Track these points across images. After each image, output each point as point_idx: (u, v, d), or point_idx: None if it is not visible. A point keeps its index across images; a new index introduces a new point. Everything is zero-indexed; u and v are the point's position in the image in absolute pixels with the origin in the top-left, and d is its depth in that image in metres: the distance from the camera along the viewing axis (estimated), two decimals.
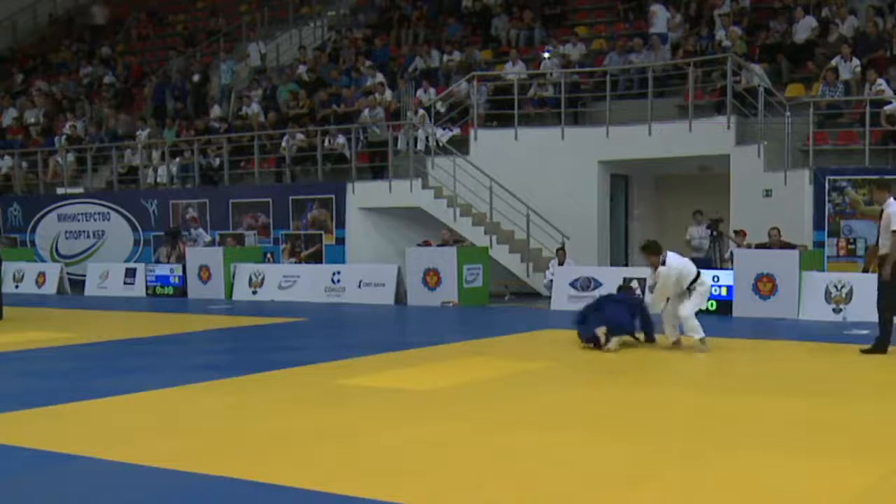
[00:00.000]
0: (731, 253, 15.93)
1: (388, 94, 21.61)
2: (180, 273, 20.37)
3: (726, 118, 17.42)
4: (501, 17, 23.31)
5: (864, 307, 13.66)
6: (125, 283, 21.27)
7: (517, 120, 19.48)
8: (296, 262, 20.59)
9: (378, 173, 20.51)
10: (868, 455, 6.18)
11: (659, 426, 7.15)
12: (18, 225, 25.12)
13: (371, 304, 17.71)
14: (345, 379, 9.31)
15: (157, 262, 21.54)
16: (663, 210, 20.87)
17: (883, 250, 10.56)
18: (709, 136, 17.52)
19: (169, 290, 20.58)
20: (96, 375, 9.84)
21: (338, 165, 20.96)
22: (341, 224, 20.26)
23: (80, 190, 24.76)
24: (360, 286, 18.31)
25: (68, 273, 22.66)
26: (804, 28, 18.60)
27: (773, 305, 14.46)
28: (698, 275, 11.25)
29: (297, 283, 19.20)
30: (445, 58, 22.46)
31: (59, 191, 24.79)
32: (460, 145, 19.93)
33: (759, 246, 15.49)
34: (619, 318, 11.25)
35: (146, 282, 20.92)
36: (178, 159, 23.80)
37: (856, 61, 17.29)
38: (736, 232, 16.61)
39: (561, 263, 17.17)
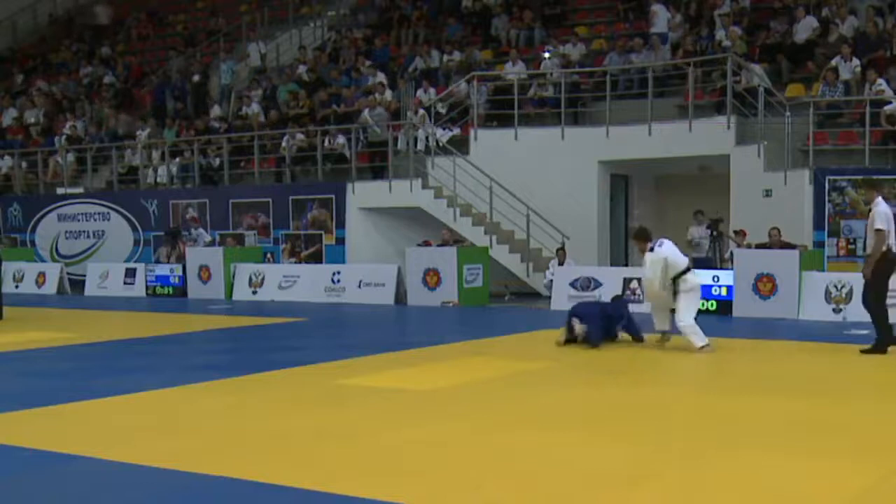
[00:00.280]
0: (731, 253, 15.93)
1: (388, 94, 21.61)
2: (180, 273, 20.37)
3: (726, 118, 17.42)
4: (501, 17, 23.31)
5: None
6: (125, 283, 21.27)
7: (517, 120, 19.48)
8: (296, 262, 20.59)
9: (378, 173, 20.51)
10: (868, 455, 6.18)
11: (659, 426, 7.15)
12: (18, 225, 25.13)
13: (371, 304, 17.71)
14: (345, 379, 9.31)
15: (157, 262, 21.54)
16: (663, 210, 20.86)
17: (869, 250, 10.66)
18: (709, 136, 17.52)
19: (169, 290, 20.58)
20: (96, 375, 9.84)
21: (338, 165, 20.96)
22: (341, 224, 20.26)
23: (80, 190, 24.77)
24: (360, 286, 18.31)
25: (68, 273, 22.67)
26: (805, 28, 18.60)
27: (773, 305, 14.47)
28: (687, 270, 11.16)
29: (297, 283, 19.21)
30: (445, 58, 22.46)
31: (59, 191, 24.80)
32: (460, 145, 19.93)
33: (760, 246, 15.50)
34: (591, 320, 11.39)
35: (146, 282, 20.92)
36: (178, 159, 23.80)
37: (856, 61, 17.29)
38: (736, 232, 16.61)
39: (561, 263, 17.18)
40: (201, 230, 21.38)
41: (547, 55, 20.94)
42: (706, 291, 15.10)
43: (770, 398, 8.23)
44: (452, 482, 5.67)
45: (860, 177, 15.62)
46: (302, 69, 24.13)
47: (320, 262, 20.24)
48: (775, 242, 15.23)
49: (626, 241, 20.19)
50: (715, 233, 16.65)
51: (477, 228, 18.96)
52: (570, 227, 18.20)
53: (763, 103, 16.89)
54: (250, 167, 22.52)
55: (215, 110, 24.83)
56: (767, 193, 16.77)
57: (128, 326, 15.27)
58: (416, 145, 20.13)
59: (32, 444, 6.65)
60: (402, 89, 22.14)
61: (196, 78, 26.33)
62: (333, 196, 20.34)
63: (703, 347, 10.93)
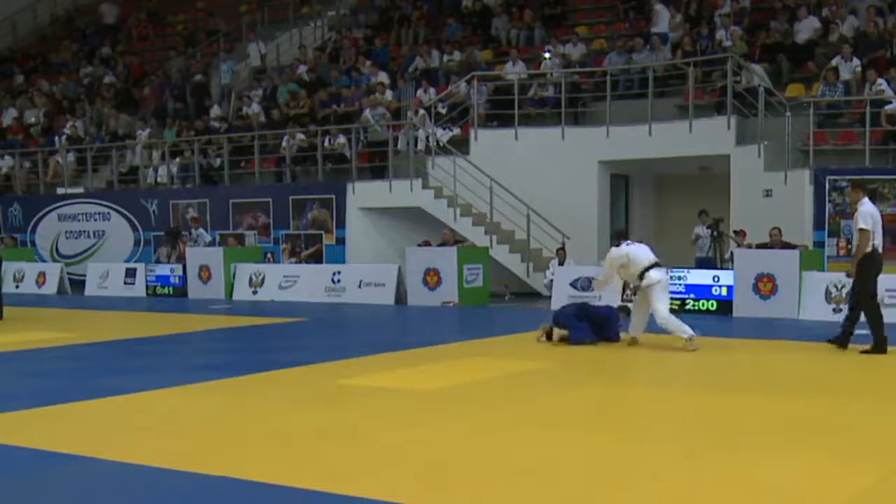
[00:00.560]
0: (732, 253, 15.94)
1: (389, 94, 21.62)
2: (180, 273, 20.38)
3: (726, 118, 17.42)
4: (501, 17, 23.31)
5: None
6: (125, 283, 21.27)
7: (517, 120, 19.48)
8: (296, 262, 20.59)
9: (378, 173, 20.51)
10: (868, 455, 6.18)
11: (659, 426, 7.15)
12: (18, 225, 25.13)
13: (371, 304, 17.72)
14: (345, 379, 9.31)
15: (158, 262, 21.55)
16: (663, 210, 20.88)
17: (855, 249, 10.76)
18: (709, 136, 17.52)
19: (169, 290, 20.58)
20: (96, 375, 9.84)
21: (338, 165, 20.97)
22: (341, 224, 20.27)
23: (80, 190, 24.77)
24: (360, 286, 18.31)
25: (68, 273, 22.67)
26: (807, 28, 18.60)
27: (773, 305, 14.47)
28: (652, 266, 11.22)
29: (297, 283, 19.21)
30: (445, 58, 22.47)
31: (60, 191, 24.81)
32: (460, 145, 19.93)
33: (760, 246, 15.50)
34: (568, 319, 11.72)
35: (146, 282, 20.93)
36: (178, 159, 23.81)
37: (856, 61, 17.29)
38: (736, 232, 16.62)
39: (561, 263, 17.18)
40: (201, 230, 21.38)
41: (547, 55, 20.94)
42: (706, 291, 15.14)
43: (770, 398, 8.23)
44: (452, 482, 5.67)
45: (861, 177, 15.64)
46: (302, 69, 24.13)
47: (320, 262, 20.25)
48: (776, 242, 15.24)
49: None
50: (715, 233, 16.65)
51: (477, 228, 18.96)
52: (570, 227, 18.20)
53: (763, 103, 16.89)
54: (250, 167, 22.52)
55: (215, 110, 24.83)
56: (767, 193, 16.78)
57: (128, 326, 15.27)
58: (416, 145, 20.13)
59: (32, 444, 6.65)
60: (402, 89, 22.15)
61: (198, 77, 26.32)
62: (334, 196, 20.34)
63: (690, 339, 10.99)
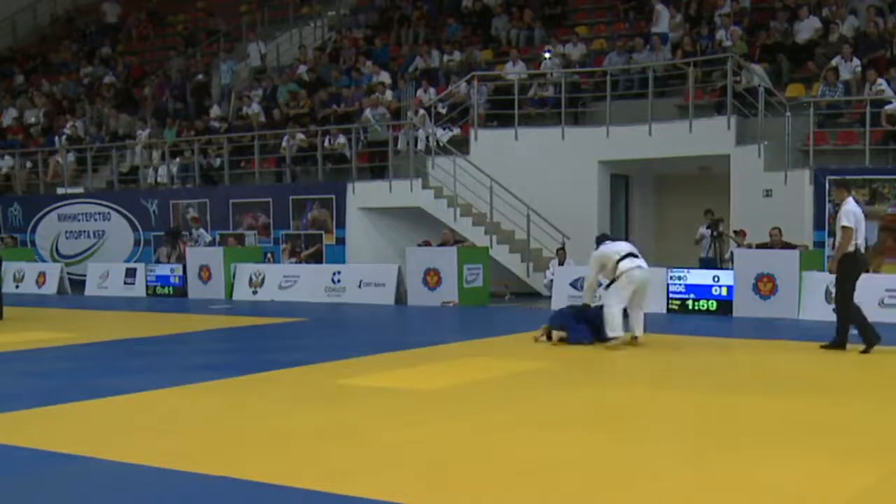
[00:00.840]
0: (732, 253, 15.94)
1: (389, 94, 21.62)
2: (180, 273, 20.37)
3: (726, 118, 17.42)
4: (501, 17, 23.31)
5: (865, 307, 13.61)
6: (125, 283, 21.27)
7: (517, 120, 19.48)
8: (296, 262, 20.59)
9: (378, 173, 20.51)
10: (868, 455, 6.18)
11: (659, 426, 7.15)
12: (18, 225, 25.13)
13: (371, 304, 17.71)
14: (345, 379, 9.31)
15: (158, 262, 21.54)
16: (663, 210, 20.88)
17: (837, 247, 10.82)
18: (709, 136, 17.52)
19: (169, 290, 20.58)
20: (96, 375, 9.84)
21: (338, 165, 20.97)
22: (341, 224, 20.27)
23: (80, 190, 24.77)
24: (360, 286, 18.31)
25: (68, 273, 22.67)
26: (807, 28, 18.60)
27: (773, 305, 14.47)
28: (626, 256, 11.32)
29: (297, 283, 19.21)
30: (445, 58, 22.47)
31: (60, 191, 24.81)
32: (460, 145, 19.93)
33: (760, 246, 15.50)
34: (565, 320, 11.79)
35: (146, 282, 20.92)
36: (178, 159, 23.81)
37: (856, 61, 17.28)
38: (736, 232, 16.62)
39: (561, 263, 17.18)
40: (202, 230, 21.38)
41: (547, 55, 20.94)
42: (706, 291, 15.14)
43: (770, 398, 8.23)
44: (452, 482, 5.67)
45: (861, 177, 15.65)
46: (302, 69, 24.13)
47: (320, 262, 20.25)
48: (776, 242, 15.24)
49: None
50: (715, 233, 16.65)
51: (477, 228, 18.96)
52: (570, 227, 18.20)
53: (763, 103, 16.88)
54: (250, 167, 22.52)
55: (215, 110, 24.83)
56: (767, 193, 16.78)
57: (128, 326, 15.27)
58: (416, 145, 20.13)
59: (32, 444, 6.65)
60: (403, 89, 22.15)
61: (199, 77, 26.33)
62: (334, 196, 20.34)
63: (612, 339, 11.11)
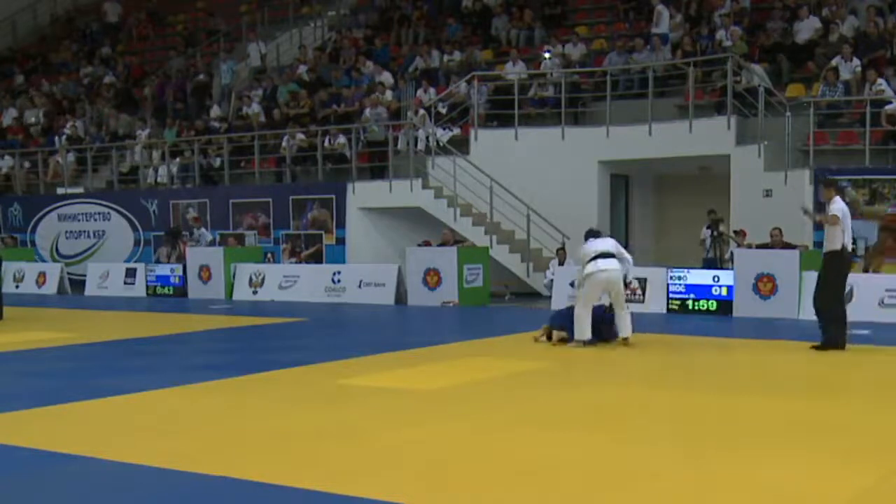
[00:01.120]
0: (732, 253, 15.94)
1: (389, 94, 21.62)
2: (180, 273, 20.37)
3: (726, 118, 17.42)
4: (501, 17, 23.31)
5: (865, 307, 13.68)
6: (125, 283, 21.27)
7: (517, 120, 19.48)
8: (296, 262, 20.59)
9: (378, 173, 20.51)
10: (868, 455, 6.18)
11: (659, 426, 7.15)
12: (18, 225, 25.12)
13: (371, 304, 17.71)
14: (345, 379, 9.31)
15: (158, 262, 21.54)
16: (663, 210, 20.87)
17: (828, 246, 10.83)
18: (709, 136, 17.52)
19: (169, 290, 20.58)
20: (96, 375, 9.84)
21: (338, 165, 20.97)
22: (341, 224, 20.26)
23: (80, 190, 24.77)
24: (360, 286, 18.31)
25: (68, 273, 22.66)
26: (808, 28, 18.60)
27: (773, 305, 14.46)
28: (597, 257, 11.35)
29: (297, 283, 19.21)
30: (445, 58, 22.47)
31: (60, 191, 24.80)
32: (460, 145, 19.93)
33: (761, 246, 15.50)
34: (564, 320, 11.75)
35: (146, 282, 20.92)
36: (178, 159, 23.81)
37: (856, 61, 17.28)
38: (736, 232, 16.62)
39: (561, 263, 17.17)
40: (203, 230, 21.38)
41: (547, 55, 20.94)
42: (706, 291, 15.14)
43: (770, 398, 8.23)
44: (452, 482, 5.67)
45: (861, 177, 15.66)
46: (302, 69, 24.13)
47: (320, 262, 20.25)
48: (777, 243, 15.24)
49: (626, 242, 20.19)
50: (715, 233, 16.65)
51: (477, 228, 18.96)
52: (570, 227, 18.18)
53: (763, 103, 16.89)
54: (250, 167, 22.52)
55: (215, 110, 24.83)
56: (767, 193, 16.77)
57: (128, 326, 15.27)
58: (416, 145, 20.13)
59: (32, 444, 6.65)
60: (403, 89, 22.15)
61: (201, 77, 26.33)
62: (334, 196, 20.34)
63: (575, 341, 11.20)
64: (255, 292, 19.44)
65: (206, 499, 5.45)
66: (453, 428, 7.11)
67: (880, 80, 16.53)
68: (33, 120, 28.19)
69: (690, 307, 15.17)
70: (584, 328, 11.27)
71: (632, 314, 11.65)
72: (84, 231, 23.99)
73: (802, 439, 6.65)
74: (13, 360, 11.08)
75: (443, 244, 18.03)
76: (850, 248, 10.84)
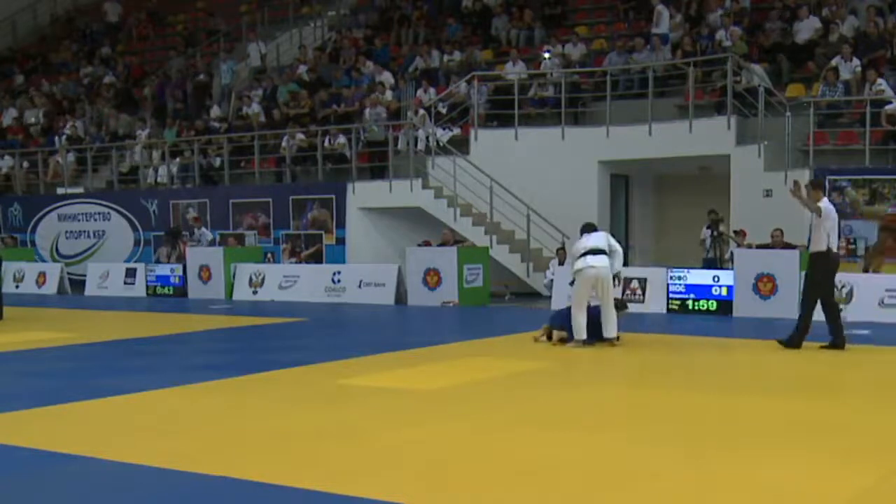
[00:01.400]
0: (732, 253, 15.94)
1: (389, 94, 21.62)
2: (180, 273, 20.37)
3: (726, 118, 17.42)
4: (501, 17, 23.31)
5: (865, 307, 13.70)
6: (125, 283, 21.27)
7: (517, 120, 19.48)
8: (296, 262, 20.59)
9: (378, 173, 20.51)
10: (868, 455, 6.18)
11: (659, 426, 7.15)
12: (18, 225, 25.12)
13: (371, 304, 17.72)
14: (345, 379, 9.31)
15: (158, 262, 21.54)
16: (663, 210, 20.87)
17: (814, 247, 10.90)
18: (709, 136, 17.52)
19: (169, 290, 20.58)
20: (96, 375, 9.84)
21: (338, 165, 20.97)
22: (341, 224, 20.26)
23: (80, 190, 24.77)
24: (360, 286, 18.31)
25: (68, 273, 22.67)
26: (807, 28, 18.60)
27: (773, 305, 14.46)
28: (586, 254, 11.40)
29: (297, 283, 19.21)
30: (445, 58, 22.47)
31: (60, 191, 24.81)
32: (460, 145, 19.93)
33: (761, 246, 15.51)
34: (564, 320, 11.74)
35: (146, 282, 20.92)
36: (178, 159, 23.81)
37: (856, 61, 17.28)
38: (736, 232, 16.62)
39: (561, 263, 17.15)
40: (204, 229, 21.37)
41: (547, 55, 20.94)
42: (706, 291, 15.14)
43: (770, 398, 8.24)
44: (452, 482, 5.67)
45: (861, 177, 15.65)
46: (302, 69, 24.13)
47: (320, 262, 20.24)
48: (777, 243, 15.24)
49: (626, 242, 20.20)
50: (715, 233, 16.65)
51: (477, 228, 18.96)
52: (570, 227, 18.13)
53: (763, 103, 16.89)
54: (250, 167, 22.52)
55: (215, 110, 24.83)
56: (767, 193, 16.77)
57: (128, 326, 15.27)
58: (416, 145, 20.13)
59: (32, 444, 6.65)
60: (403, 89, 22.15)
61: (201, 77, 26.33)
62: (334, 196, 20.34)
63: (574, 341, 11.21)
64: (255, 292, 19.44)
65: (206, 499, 5.45)
66: (453, 428, 7.11)
67: (880, 80, 16.52)
68: (33, 120, 28.19)
69: (690, 307, 15.18)
70: (579, 328, 11.26)
71: (620, 312, 11.63)
72: (84, 231, 23.99)
73: (802, 439, 6.65)
74: (13, 360, 11.08)
75: (443, 244, 18.03)
76: (835, 248, 10.89)
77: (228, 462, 6.08)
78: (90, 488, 5.69)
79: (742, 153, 17.25)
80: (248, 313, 16.54)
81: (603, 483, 5.59)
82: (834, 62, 17.35)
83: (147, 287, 20.87)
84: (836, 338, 10.78)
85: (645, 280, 15.64)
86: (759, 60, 18.39)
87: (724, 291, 15.00)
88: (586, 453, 6.28)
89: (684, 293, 15.26)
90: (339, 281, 18.64)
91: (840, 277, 14.15)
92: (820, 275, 10.83)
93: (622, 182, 20.30)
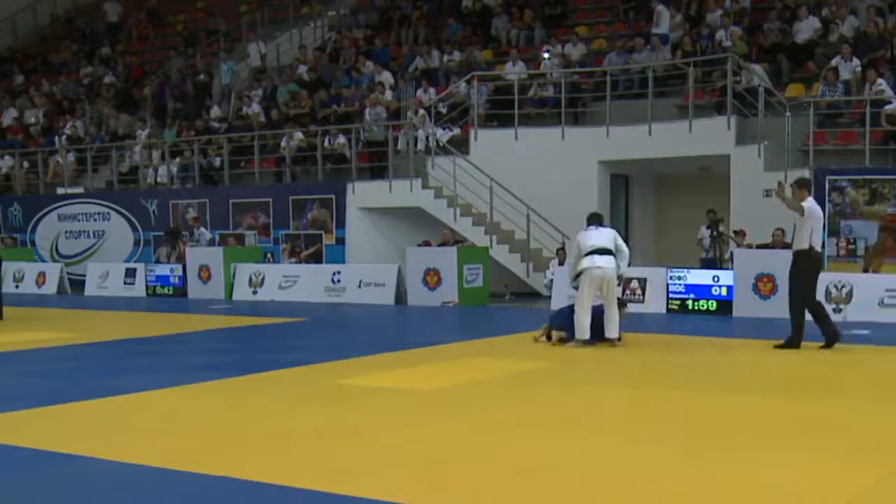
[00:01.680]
0: (731, 253, 15.94)
1: (389, 94, 21.62)
2: (180, 273, 20.37)
3: (726, 118, 17.42)
4: (501, 17, 23.31)
5: (865, 307, 13.70)
6: (125, 283, 21.27)
7: (517, 120, 19.48)
8: (296, 262, 20.59)
9: (378, 173, 20.51)
10: (868, 455, 6.18)
11: (659, 426, 7.15)
12: (18, 225, 25.13)
13: (371, 304, 17.72)
14: (345, 379, 9.31)
15: (158, 262, 21.54)
16: (663, 210, 20.87)
17: (796, 245, 10.92)
18: (709, 136, 17.52)
19: (169, 290, 20.58)
20: (96, 375, 9.84)
21: (338, 165, 20.96)
22: (341, 224, 20.26)
23: (80, 190, 24.77)
24: (360, 286, 18.31)
25: (68, 273, 22.67)
26: (807, 28, 18.60)
27: (773, 305, 14.42)
28: (591, 252, 11.38)
29: (297, 283, 19.21)
30: (445, 58, 22.47)
31: (60, 191, 24.81)
32: (460, 145, 19.93)
33: (761, 246, 15.50)
34: (564, 320, 11.72)
35: (146, 282, 20.92)
36: (178, 159, 23.81)
37: (856, 61, 17.29)
38: (736, 232, 16.62)
39: (561, 263, 17.14)
40: (203, 229, 21.38)
41: (547, 55, 20.94)
42: (706, 291, 15.14)
43: (770, 398, 8.24)
44: (452, 482, 5.67)
45: (861, 177, 15.65)
46: (302, 69, 24.13)
47: (320, 262, 20.24)
48: (777, 243, 15.24)
49: (626, 241, 20.18)
50: (715, 233, 16.65)
51: (477, 228, 18.96)
52: (570, 227, 18.12)
53: (763, 103, 16.89)
54: (250, 167, 22.52)
55: (215, 110, 24.83)
56: (767, 193, 16.73)
57: (128, 326, 15.27)
58: (416, 145, 20.13)
59: (32, 444, 6.65)
60: (403, 89, 22.15)
61: (201, 77, 26.32)
62: (333, 196, 20.34)
63: (575, 341, 11.20)
64: (254, 292, 19.44)
65: (206, 499, 5.45)
66: (453, 428, 7.11)
67: (880, 80, 16.53)
68: (33, 120, 28.19)
69: (690, 307, 15.18)
70: (583, 327, 11.26)
71: (623, 312, 11.62)
72: (84, 231, 23.99)
73: (802, 439, 6.65)
74: (13, 360, 11.08)
75: (443, 244, 18.04)
76: (818, 248, 10.93)
77: (228, 462, 6.08)
78: (90, 488, 5.69)
79: (742, 153, 17.25)
80: (248, 313, 16.54)
81: (603, 483, 5.59)
82: (834, 62, 17.36)
83: (147, 287, 20.87)
84: (827, 335, 10.78)
85: (645, 280, 15.64)
86: (759, 60, 18.40)
87: (723, 291, 15.00)
88: (586, 453, 6.28)
89: (684, 293, 15.26)
90: (338, 281, 18.64)
91: (840, 277, 14.23)
92: (802, 273, 10.87)
93: (622, 182, 20.31)
